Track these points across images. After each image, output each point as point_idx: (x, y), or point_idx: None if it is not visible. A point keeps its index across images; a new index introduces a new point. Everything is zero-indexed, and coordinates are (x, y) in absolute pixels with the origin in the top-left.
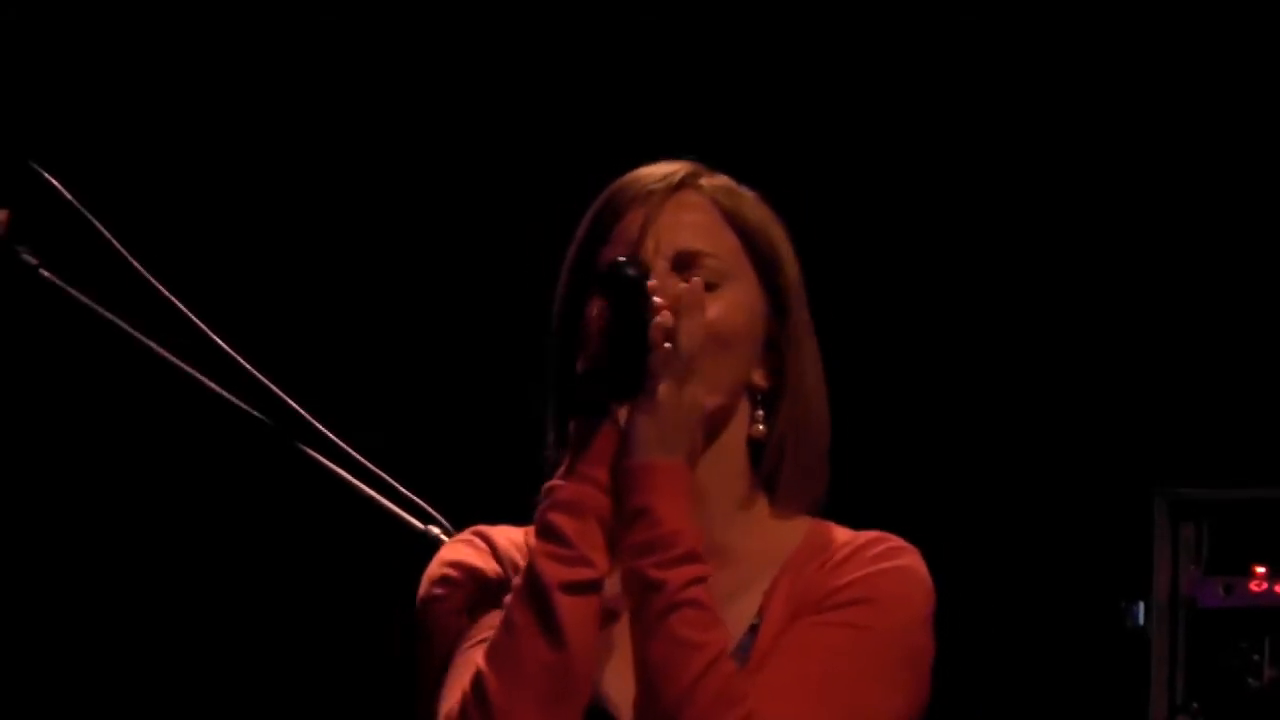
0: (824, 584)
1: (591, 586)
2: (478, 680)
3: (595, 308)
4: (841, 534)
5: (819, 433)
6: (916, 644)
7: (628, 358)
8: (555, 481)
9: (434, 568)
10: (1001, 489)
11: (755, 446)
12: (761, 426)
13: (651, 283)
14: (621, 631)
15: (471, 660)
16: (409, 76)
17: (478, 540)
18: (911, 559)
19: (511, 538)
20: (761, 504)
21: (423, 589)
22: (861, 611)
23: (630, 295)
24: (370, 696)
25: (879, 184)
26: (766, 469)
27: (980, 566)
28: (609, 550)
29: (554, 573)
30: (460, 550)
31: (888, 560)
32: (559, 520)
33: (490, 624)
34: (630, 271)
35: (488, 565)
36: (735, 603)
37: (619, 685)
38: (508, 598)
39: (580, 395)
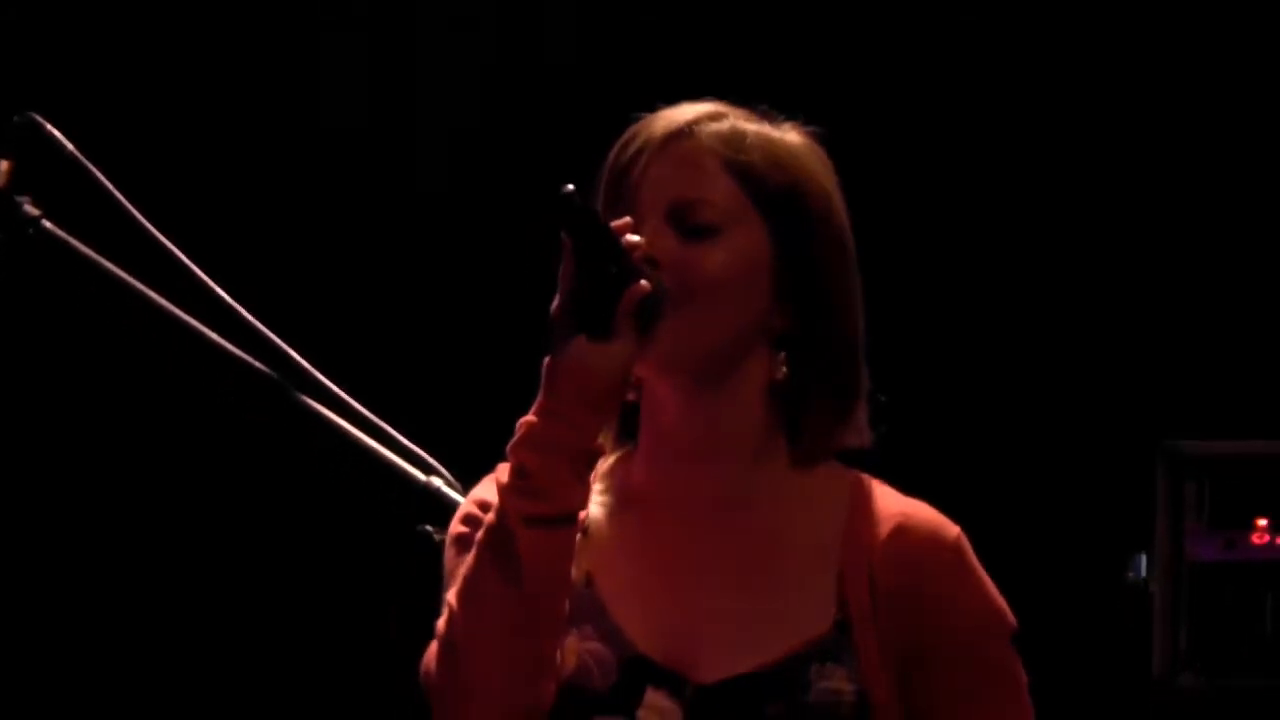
0: (920, 611)
1: (553, 521)
2: (448, 617)
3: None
4: (889, 501)
5: (847, 377)
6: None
7: (591, 291)
8: (525, 418)
9: (463, 506)
10: (1004, 444)
11: (781, 392)
12: (784, 369)
13: (636, 238)
14: (636, 566)
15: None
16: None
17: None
18: (977, 566)
19: None
20: (783, 452)
21: (451, 527)
22: (984, 671)
23: (582, 224)
24: (374, 654)
25: (880, 145)
26: (788, 414)
27: (982, 520)
28: (580, 486)
29: (515, 507)
30: (484, 487)
31: (975, 588)
32: (524, 456)
33: None
34: (576, 201)
35: None
36: (796, 581)
37: (632, 615)
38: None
39: (552, 332)
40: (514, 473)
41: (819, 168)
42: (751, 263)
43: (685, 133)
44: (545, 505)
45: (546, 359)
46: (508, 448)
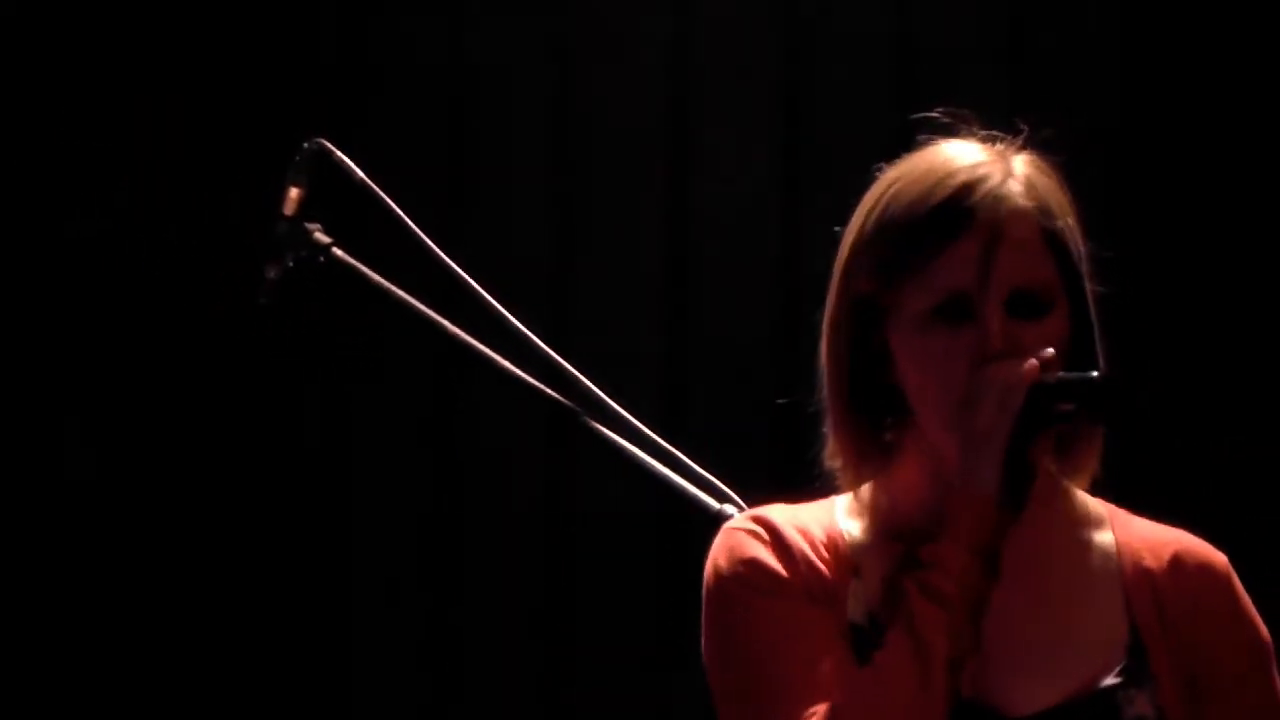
0: (1199, 636)
1: (957, 664)
2: (834, 715)
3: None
4: (1153, 528)
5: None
6: None
7: (1021, 472)
8: (931, 546)
9: (724, 562)
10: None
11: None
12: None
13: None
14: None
15: (802, 678)
16: None
17: (761, 531)
18: (1244, 593)
19: (795, 522)
20: (1059, 480)
21: (714, 581)
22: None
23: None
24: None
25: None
26: (1067, 451)
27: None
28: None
29: (944, 646)
30: (748, 545)
31: (1246, 614)
32: (945, 588)
33: (802, 631)
34: (1127, 391)
35: (777, 564)
36: (1085, 608)
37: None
38: (884, 647)
39: (973, 449)
40: (934, 600)
41: (1066, 197)
42: (1066, 331)
43: (1019, 203)
44: (967, 643)
45: (962, 483)
46: (918, 575)
